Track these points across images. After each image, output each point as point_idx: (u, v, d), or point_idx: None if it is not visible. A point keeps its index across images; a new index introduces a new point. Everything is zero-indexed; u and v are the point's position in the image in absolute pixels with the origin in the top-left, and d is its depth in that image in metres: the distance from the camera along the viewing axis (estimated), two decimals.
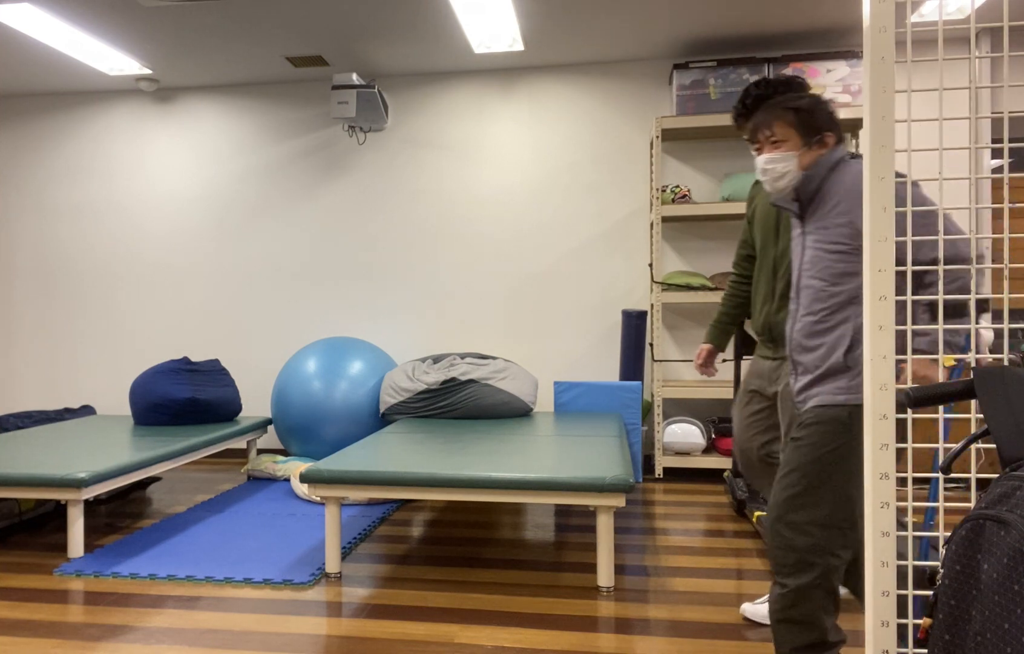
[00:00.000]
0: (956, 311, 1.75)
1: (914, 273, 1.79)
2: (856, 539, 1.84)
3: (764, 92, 2.25)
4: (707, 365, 2.58)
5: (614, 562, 3.01)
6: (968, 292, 1.72)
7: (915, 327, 1.75)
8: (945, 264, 1.74)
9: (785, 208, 1.98)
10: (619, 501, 2.71)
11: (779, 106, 1.93)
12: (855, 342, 1.83)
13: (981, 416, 1.28)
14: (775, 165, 1.93)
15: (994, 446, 1.24)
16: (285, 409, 4.40)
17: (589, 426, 3.81)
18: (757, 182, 2.61)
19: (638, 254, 4.97)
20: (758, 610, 2.47)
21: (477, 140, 5.12)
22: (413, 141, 5.18)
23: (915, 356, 1.68)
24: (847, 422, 1.81)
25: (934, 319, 1.75)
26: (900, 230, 1.79)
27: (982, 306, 1.88)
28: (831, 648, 1.82)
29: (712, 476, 4.63)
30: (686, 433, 4.52)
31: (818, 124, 1.91)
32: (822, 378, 1.86)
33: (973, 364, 1.39)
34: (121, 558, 3.10)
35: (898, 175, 1.84)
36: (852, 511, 1.82)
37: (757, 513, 3.32)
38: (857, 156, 1.91)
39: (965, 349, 1.80)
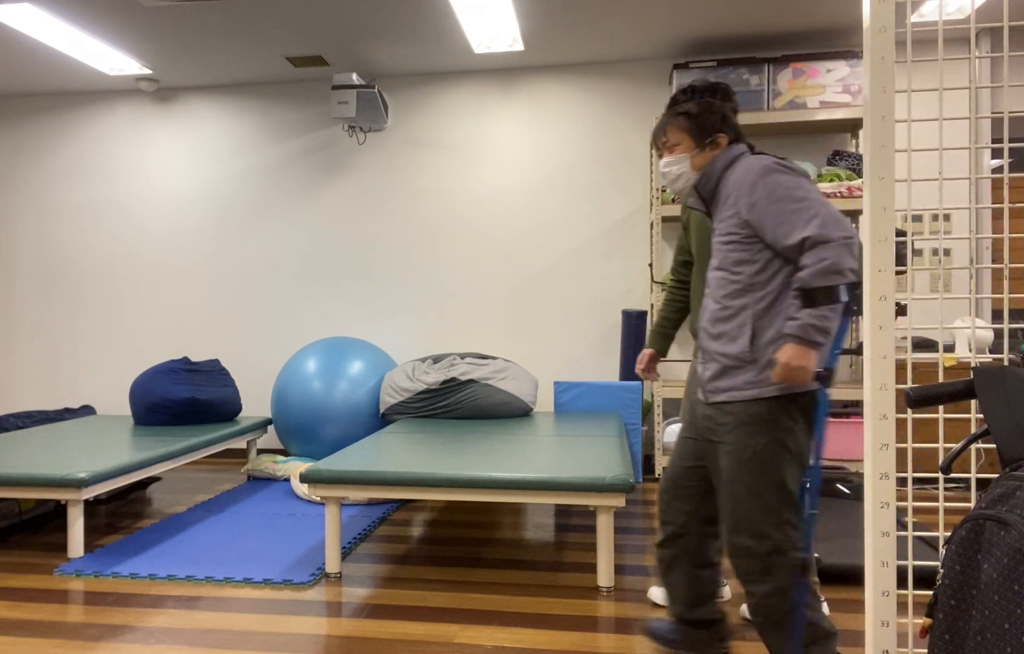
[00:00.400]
0: (817, 296, 1.72)
1: (790, 259, 1.81)
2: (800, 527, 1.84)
3: (688, 99, 2.30)
4: (649, 370, 2.57)
5: (614, 562, 3.01)
6: (842, 275, 1.72)
7: (790, 315, 1.76)
8: (809, 247, 1.74)
9: (696, 208, 2.03)
10: (619, 501, 2.71)
11: (672, 112, 2.00)
12: (757, 330, 1.83)
13: (981, 416, 1.28)
14: (671, 168, 2.00)
15: (994, 446, 1.24)
16: (285, 409, 4.40)
17: (589, 426, 3.81)
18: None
19: (638, 254, 4.97)
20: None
21: (477, 140, 5.12)
22: (413, 141, 5.19)
23: (789, 347, 1.73)
24: (767, 417, 1.80)
25: (804, 304, 1.73)
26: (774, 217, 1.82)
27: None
28: (829, 637, 1.80)
29: None
30: None
31: (710, 127, 1.96)
32: (728, 370, 1.86)
33: (974, 364, 1.39)
34: (121, 558, 3.10)
35: (784, 165, 1.83)
36: (790, 502, 1.81)
37: None
38: (761, 153, 1.94)
39: (838, 337, 1.77)
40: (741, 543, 1.82)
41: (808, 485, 1.80)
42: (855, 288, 1.74)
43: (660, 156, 2.03)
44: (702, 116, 1.97)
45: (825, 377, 1.76)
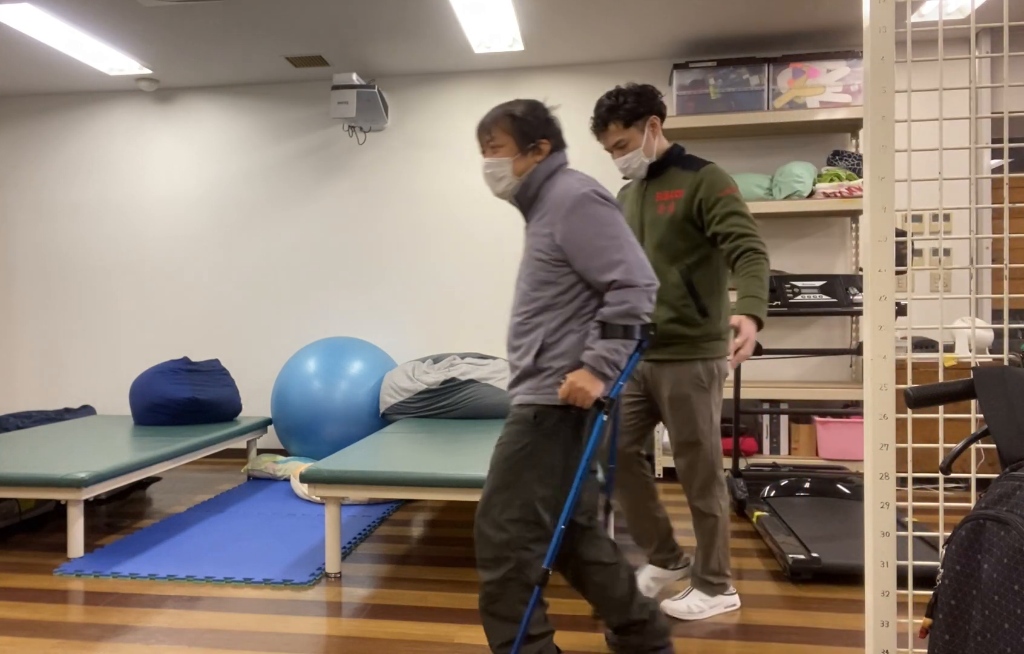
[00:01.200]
0: (614, 332, 1.84)
1: (595, 291, 1.92)
2: (548, 534, 1.91)
3: (615, 103, 2.34)
4: None
5: None
6: (639, 319, 1.85)
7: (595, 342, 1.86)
8: (616, 288, 1.85)
9: (518, 208, 2.06)
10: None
11: (498, 112, 1.99)
12: (545, 346, 1.91)
13: (981, 416, 1.28)
14: (493, 169, 2.00)
15: (994, 446, 1.24)
16: (285, 409, 4.40)
17: None
18: (626, 185, 2.65)
19: None
20: (677, 607, 2.48)
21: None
22: (413, 141, 5.18)
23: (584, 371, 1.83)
24: (532, 421, 1.89)
25: (602, 336, 1.84)
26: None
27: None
28: (534, 640, 1.88)
29: None
30: None
31: (534, 131, 1.97)
32: (521, 378, 1.95)
33: (974, 364, 1.39)
34: (121, 558, 3.10)
35: (600, 195, 1.91)
36: (542, 507, 1.89)
37: (757, 513, 3.32)
38: (572, 170, 2.00)
39: (624, 372, 1.90)
40: (482, 528, 1.90)
41: (572, 499, 1.87)
42: (649, 329, 1.89)
43: (483, 154, 2.03)
44: (527, 120, 1.97)
45: (605, 404, 1.87)
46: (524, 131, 1.97)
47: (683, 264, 2.37)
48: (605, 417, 1.88)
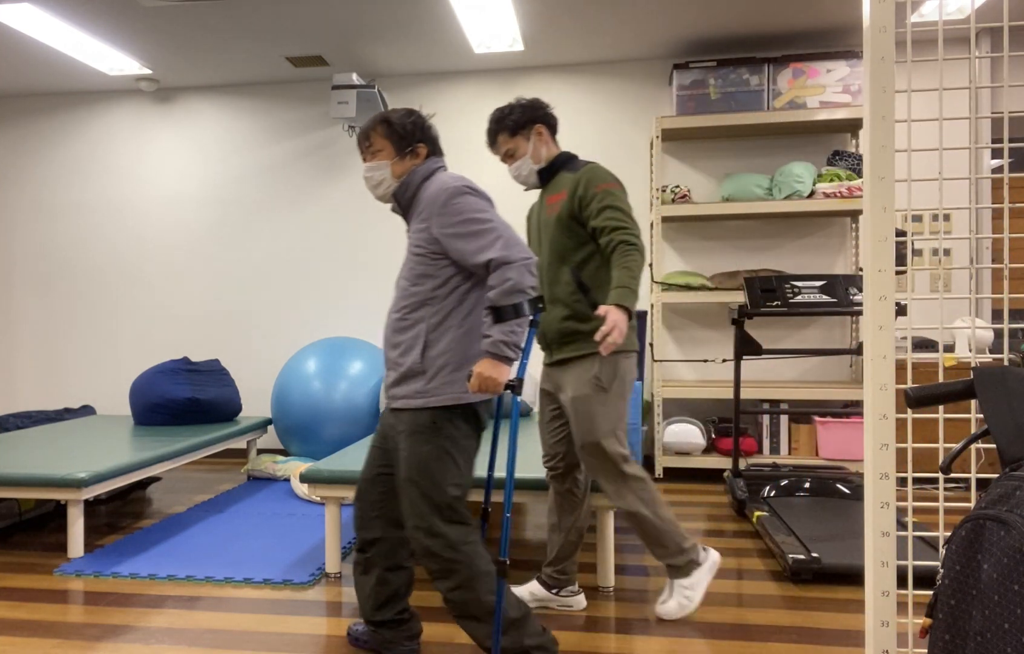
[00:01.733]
0: (506, 313, 1.88)
1: (470, 277, 1.99)
2: (472, 526, 1.98)
3: (501, 115, 2.45)
4: None
5: (614, 562, 3.01)
6: (524, 293, 1.88)
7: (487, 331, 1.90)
8: (494, 268, 1.90)
9: (396, 212, 2.12)
10: None
11: (376, 118, 2.07)
12: (429, 343, 1.97)
13: (981, 416, 1.28)
14: (372, 173, 2.08)
15: (994, 446, 1.24)
16: (285, 409, 4.40)
17: None
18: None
19: None
20: (669, 609, 2.47)
21: (477, 140, 5.12)
22: None
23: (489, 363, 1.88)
24: (431, 426, 1.95)
25: (495, 321, 1.88)
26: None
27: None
28: (517, 623, 1.93)
29: (712, 476, 4.63)
30: (686, 433, 4.52)
31: (410, 136, 2.06)
32: (403, 379, 2.00)
33: (974, 364, 1.39)
34: (121, 558, 3.10)
35: (472, 187, 1.98)
36: (458, 505, 1.97)
37: (757, 513, 3.32)
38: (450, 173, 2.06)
39: (526, 350, 1.95)
40: (420, 543, 1.95)
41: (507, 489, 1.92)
42: (537, 302, 1.93)
43: (364, 160, 2.11)
44: (403, 125, 2.06)
45: (516, 386, 1.90)
46: (401, 136, 2.06)
47: (573, 262, 2.42)
48: (519, 397, 1.91)
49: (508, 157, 2.49)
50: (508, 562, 1.87)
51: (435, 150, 2.11)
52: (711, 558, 2.50)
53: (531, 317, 1.92)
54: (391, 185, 2.08)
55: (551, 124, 2.50)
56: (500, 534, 1.96)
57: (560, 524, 2.57)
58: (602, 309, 2.18)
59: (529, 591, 2.60)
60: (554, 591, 2.59)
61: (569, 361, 2.42)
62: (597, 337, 2.13)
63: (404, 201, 2.08)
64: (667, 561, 2.46)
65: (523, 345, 1.93)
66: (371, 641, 2.21)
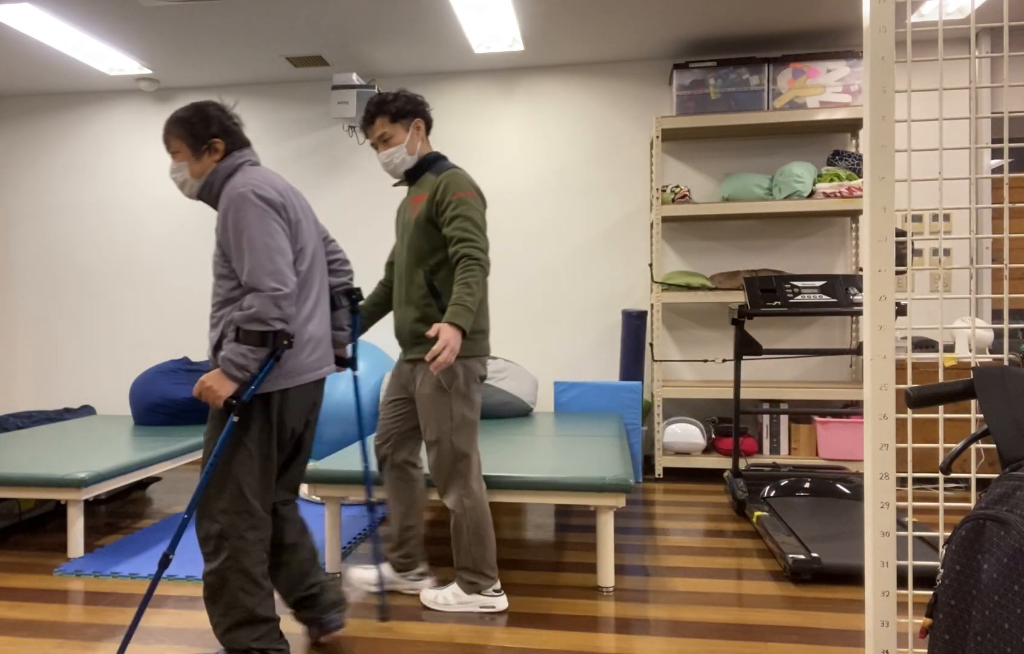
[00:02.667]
0: (247, 337, 1.90)
1: (232, 299, 2.00)
2: (260, 522, 2.03)
3: (384, 99, 2.49)
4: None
5: (614, 562, 3.01)
6: (265, 324, 1.90)
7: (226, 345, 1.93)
8: (245, 291, 1.93)
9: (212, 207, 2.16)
10: (619, 501, 2.71)
11: (171, 118, 2.08)
12: (223, 340, 2.00)
13: (981, 416, 1.28)
14: (175, 175, 2.09)
15: (994, 446, 1.24)
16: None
17: (589, 426, 3.81)
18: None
19: (638, 254, 4.97)
20: (427, 594, 2.55)
21: (477, 140, 5.12)
22: None
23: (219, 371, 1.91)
24: (225, 414, 1.99)
25: (235, 339, 1.91)
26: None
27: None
28: (261, 622, 2.01)
29: (712, 476, 4.63)
30: (686, 433, 4.52)
31: (204, 134, 2.05)
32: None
33: (974, 364, 1.39)
34: (121, 558, 3.10)
35: (260, 196, 1.99)
36: (250, 494, 2.00)
37: (757, 513, 3.32)
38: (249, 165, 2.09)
39: (257, 378, 1.96)
40: (198, 520, 2.01)
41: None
42: (283, 337, 1.94)
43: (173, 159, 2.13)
44: (195, 123, 2.05)
45: (234, 407, 1.94)
46: (194, 134, 2.05)
47: (427, 265, 2.46)
48: (235, 419, 1.94)
49: (382, 141, 2.52)
50: (171, 557, 1.96)
51: (236, 143, 2.09)
52: (495, 601, 2.54)
53: (273, 351, 1.94)
54: (193, 184, 2.08)
55: (429, 122, 2.57)
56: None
57: (398, 508, 2.64)
58: (435, 328, 2.23)
59: (385, 572, 2.70)
60: (401, 574, 2.67)
61: (419, 361, 2.49)
62: (427, 358, 2.20)
63: (210, 199, 2.09)
64: (458, 569, 2.54)
65: (254, 372, 1.93)
66: (296, 616, 2.26)
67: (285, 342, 1.94)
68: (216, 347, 2.01)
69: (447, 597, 2.54)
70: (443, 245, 2.44)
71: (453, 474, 2.48)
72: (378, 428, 2.63)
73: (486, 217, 2.47)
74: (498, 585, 2.56)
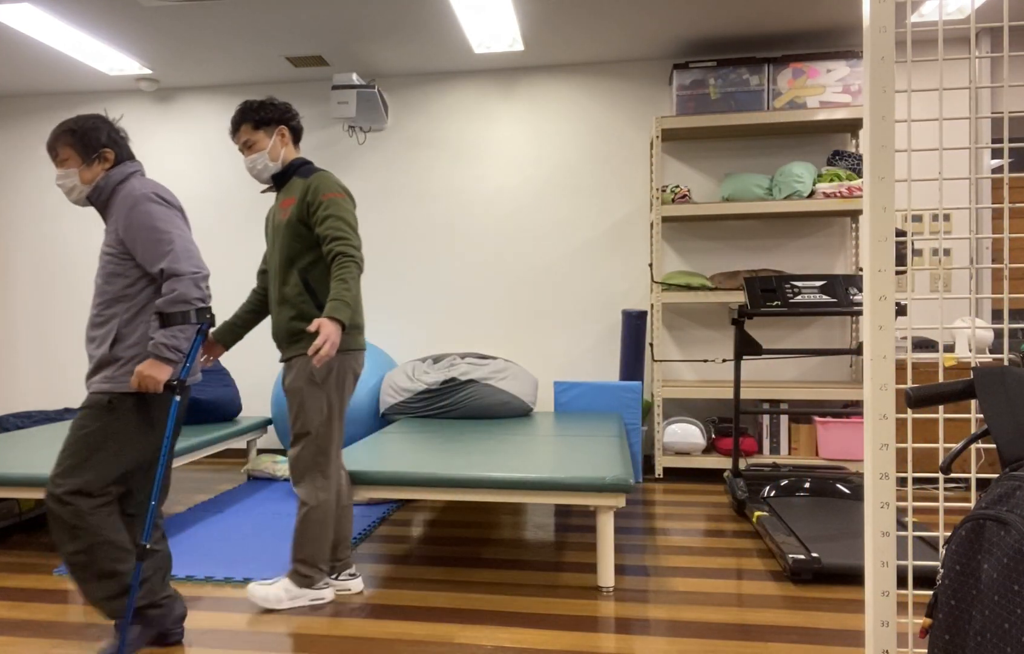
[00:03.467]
0: (172, 319, 2.08)
1: (153, 284, 2.16)
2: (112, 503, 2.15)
3: (248, 107, 2.58)
4: (208, 357, 2.72)
5: (614, 562, 3.01)
6: (190, 304, 2.08)
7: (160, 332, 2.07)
8: (165, 278, 2.08)
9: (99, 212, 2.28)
10: (619, 501, 2.71)
11: (59, 129, 2.19)
12: (120, 336, 2.14)
13: (981, 416, 1.28)
14: (63, 181, 2.21)
15: (994, 446, 1.24)
16: (285, 409, 4.40)
17: (589, 426, 3.81)
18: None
19: (638, 254, 4.97)
20: (258, 592, 2.56)
21: (477, 140, 5.12)
22: (413, 141, 5.19)
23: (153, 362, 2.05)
24: (107, 406, 2.11)
25: (161, 326, 2.07)
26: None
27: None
28: (128, 592, 2.13)
29: (712, 476, 4.63)
30: (686, 433, 4.52)
31: (95, 143, 2.20)
32: (97, 368, 2.15)
33: (974, 365, 1.39)
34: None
35: (160, 196, 2.16)
36: (114, 486, 2.14)
37: (757, 513, 3.32)
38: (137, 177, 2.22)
39: (190, 355, 2.13)
40: (50, 505, 2.07)
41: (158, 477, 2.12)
42: (206, 313, 2.14)
43: (56, 168, 2.23)
44: (86, 133, 2.19)
45: (175, 388, 2.12)
46: (84, 143, 2.18)
47: (301, 265, 2.53)
48: (178, 398, 2.13)
49: (246, 148, 2.60)
50: (148, 547, 2.07)
51: (124, 154, 2.25)
52: (323, 594, 2.62)
53: (198, 326, 2.13)
54: (81, 190, 2.21)
55: (295, 130, 2.66)
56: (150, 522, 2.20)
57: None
58: (315, 323, 2.30)
59: None
60: (332, 576, 2.72)
61: (295, 358, 2.54)
62: (310, 352, 2.26)
63: (100, 204, 2.22)
64: (294, 562, 2.57)
65: (186, 350, 2.11)
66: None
67: (208, 317, 2.14)
68: (112, 343, 2.11)
69: (278, 594, 2.57)
70: (316, 245, 2.54)
71: (314, 467, 2.55)
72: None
73: (356, 216, 2.58)
74: (320, 580, 2.62)
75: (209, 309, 2.15)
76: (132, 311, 2.14)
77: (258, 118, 2.57)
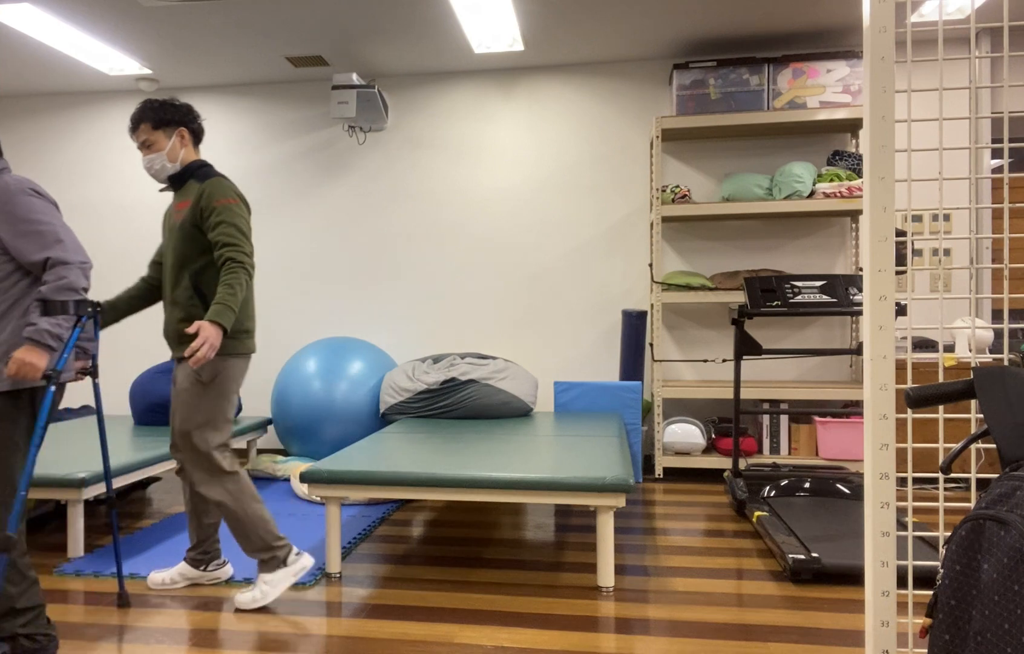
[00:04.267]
0: (55, 308, 2.06)
1: (29, 272, 2.13)
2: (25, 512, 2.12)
3: (148, 105, 2.55)
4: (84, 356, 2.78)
5: (614, 562, 3.01)
6: (76, 292, 2.08)
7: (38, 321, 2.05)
8: (51, 266, 2.08)
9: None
10: (619, 501, 2.71)
11: None
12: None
13: (981, 416, 1.28)
14: None
15: (994, 446, 1.24)
16: (285, 409, 4.40)
17: (589, 426, 3.81)
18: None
19: (638, 254, 4.97)
20: (244, 599, 2.57)
21: (477, 140, 5.12)
22: (413, 141, 5.19)
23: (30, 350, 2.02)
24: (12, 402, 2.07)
25: (44, 313, 2.05)
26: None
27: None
28: (21, 614, 2.07)
29: (712, 476, 4.63)
30: (686, 433, 4.52)
31: None
32: None
33: (974, 365, 1.39)
34: (121, 558, 3.10)
35: (36, 190, 2.13)
36: (12, 489, 2.08)
37: (757, 513, 3.32)
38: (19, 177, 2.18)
39: (68, 345, 2.13)
40: None
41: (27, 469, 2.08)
42: (86, 304, 2.13)
43: None
44: None
45: (52, 376, 2.09)
46: None
47: (193, 268, 2.56)
48: (53, 388, 2.11)
49: (145, 147, 2.59)
50: (13, 537, 2.01)
51: None
52: (300, 563, 2.65)
53: (77, 317, 2.13)
54: None
55: (195, 132, 2.66)
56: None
57: (196, 511, 2.75)
58: (196, 325, 2.34)
59: (179, 572, 2.77)
60: (202, 568, 2.79)
61: (184, 359, 2.58)
62: (186, 354, 2.30)
63: None
64: (252, 555, 2.61)
65: (66, 340, 2.11)
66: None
67: (90, 309, 2.15)
68: None
69: (263, 591, 2.59)
70: (208, 249, 2.57)
71: (212, 468, 2.58)
72: (172, 436, 2.70)
73: (249, 223, 2.61)
74: (293, 546, 2.66)
75: (90, 301, 2.16)
76: (4, 306, 2.10)
77: (158, 118, 2.57)
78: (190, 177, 2.63)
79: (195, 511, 2.76)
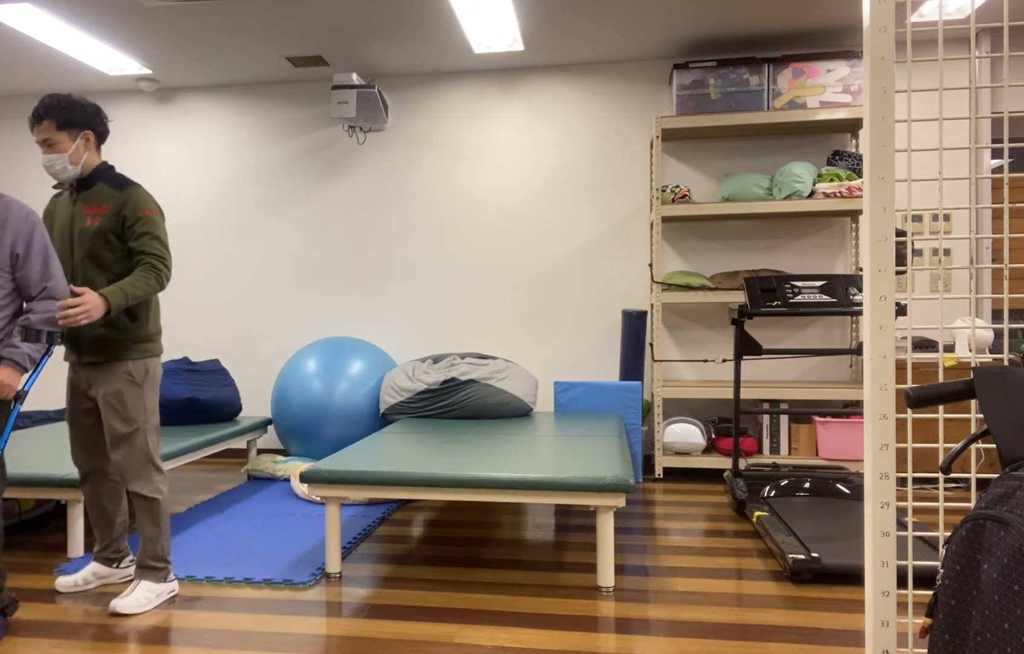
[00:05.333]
0: (36, 336, 2.25)
1: (16, 301, 2.31)
2: None
3: (54, 103, 2.54)
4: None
5: (614, 562, 3.01)
6: (56, 326, 2.30)
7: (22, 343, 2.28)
8: (42, 299, 2.32)
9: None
10: (619, 501, 2.71)
11: None
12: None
13: (981, 416, 1.28)
14: None
15: (994, 446, 1.24)
16: (285, 409, 4.40)
17: (589, 426, 3.81)
18: (59, 193, 2.75)
19: (638, 254, 4.97)
20: (126, 603, 2.57)
21: (477, 140, 5.12)
22: (413, 141, 5.19)
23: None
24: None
25: (26, 339, 2.22)
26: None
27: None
28: None
29: (712, 476, 4.63)
30: (686, 433, 4.52)
31: None
32: None
33: (974, 365, 1.39)
34: None
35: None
36: None
37: (757, 513, 3.32)
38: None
39: (38, 369, 2.35)
40: None
41: None
42: (56, 337, 2.35)
43: None
44: None
45: (21, 396, 2.29)
46: None
47: (112, 273, 2.59)
48: (19, 406, 2.30)
49: (46, 145, 2.55)
50: None
51: None
52: (174, 585, 2.71)
53: (47, 346, 2.37)
54: None
55: (100, 135, 2.64)
56: None
57: (109, 511, 2.80)
58: (82, 290, 2.37)
59: (92, 572, 2.79)
60: (114, 566, 2.84)
61: (102, 363, 2.60)
62: (59, 314, 2.33)
63: None
64: (153, 561, 2.64)
65: (36, 363, 2.33)
66: None
67: (57, 340, 2.36)
68: None
69: (148, 596, 2.60)
70: (127, 255, 2.60)
71: (148, 462, 2.63)
72: (73, 443, 2.72)
73: (167, 232, 2.70)
74: (169, 572, 2.71)
75: (59, 333, 2.35)
76: (2, 322, 2.27)
77: (64, 119, 2.52)
78: (99, 181, 2.61)
79: (108, 512, 2.80)
